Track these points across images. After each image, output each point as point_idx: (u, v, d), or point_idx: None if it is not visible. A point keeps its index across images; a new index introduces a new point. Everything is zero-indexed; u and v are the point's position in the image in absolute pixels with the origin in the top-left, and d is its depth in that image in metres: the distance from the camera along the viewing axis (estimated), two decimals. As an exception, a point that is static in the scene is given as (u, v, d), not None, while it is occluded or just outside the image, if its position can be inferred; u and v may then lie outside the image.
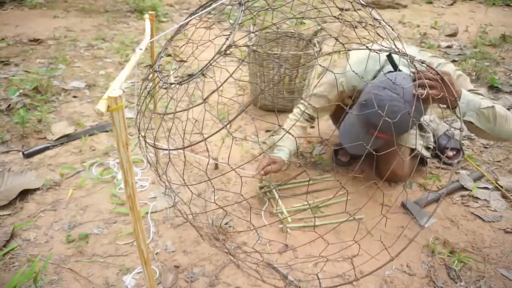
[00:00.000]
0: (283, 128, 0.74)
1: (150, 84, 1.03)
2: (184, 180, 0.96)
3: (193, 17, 1.01)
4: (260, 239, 1.32)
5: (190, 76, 0.92)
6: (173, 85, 0.86)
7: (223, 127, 0.77)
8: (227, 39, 0.82)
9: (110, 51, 3.19)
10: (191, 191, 0.96)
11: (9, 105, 2.17)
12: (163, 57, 1.05)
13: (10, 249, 1.27)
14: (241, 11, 0.89)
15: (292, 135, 0.80)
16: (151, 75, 1.04)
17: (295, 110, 1.62)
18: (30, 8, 4.52)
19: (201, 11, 1.02)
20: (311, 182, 1.62)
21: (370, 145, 1.07)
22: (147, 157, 1.10)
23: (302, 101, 1.57)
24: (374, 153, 1.03)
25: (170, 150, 0.84)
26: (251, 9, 0.95)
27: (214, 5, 0.98)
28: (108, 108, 0.60)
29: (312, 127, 2.02)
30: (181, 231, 1.37)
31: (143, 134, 0.95)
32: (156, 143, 0.94)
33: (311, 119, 1.59)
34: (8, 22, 3.91)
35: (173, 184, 1.10)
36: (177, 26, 1.09)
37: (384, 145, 1.28)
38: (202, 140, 0.78)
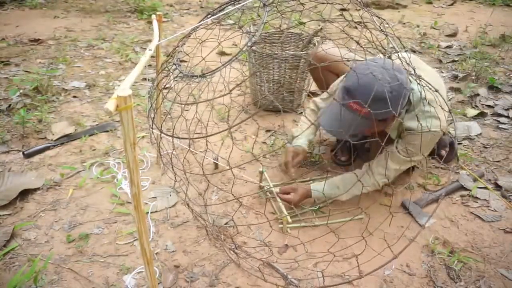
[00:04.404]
0: (293, 133, 0.74)
1: (164, 78, 1.04)
2: (202, 171, 0.96)
3: (211, 18, 1.03)
4: (261, 239, 1.32)
5: (190, 76, 0.92)
6: (194, 77, 0.88)
7: (227, 129, 0.77)
8: (253, 35, 0.84)
9: (110, 51, 3.19)
10: (208, 181, 0.97)
11: (10, 105, 2.17)
12: (181, 51, 1.06)
13: (11, 249, 1.27)
14: (266, 12, 0.92)
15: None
16: (165, 68, 1.06)
17: (307, 110, 1.62)
18: (30, 8, 4.52)
19: (218, 12, 1.04)
20: (310, 182, 1.63)
21: (350, 124, 1.08)
22: (158, 148, 1.11)
23: (311, 100, 1.57)
24: (351, 140, 0.99)
25: (189, 139, 0.85)
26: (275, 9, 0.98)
27: (236, 6, 0.99)
28: (117, 107, 0.60)
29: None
30: (181, 231, 1.38)
31: (156, 125, 0.96)
32: (169, 134, 0.95)
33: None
34: (9, 22, 3.91)
35: (183, 177, 1.10)
36: (193, 27, 1.10)
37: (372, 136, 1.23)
38: (208, 135, 0.78)
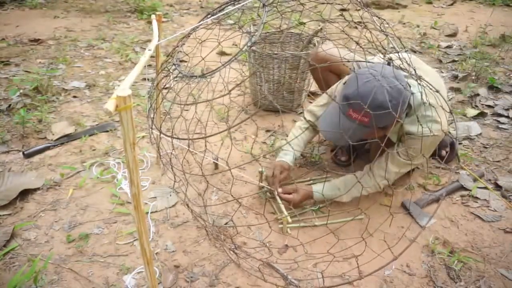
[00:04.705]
0: (285, 139, 0.74)
1: (164, 78, 1.03)
2: (201, 171, 0.96)
3: (210, 18, 1.03)
4: (260, 239, 1.32)
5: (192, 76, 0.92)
6: (193, 77, 0.88)
7: (226, 129, 0.77)
8: (252, 36, 0.84)
9: (110, 51, 3.19)
10: (207, 181, 0.97)
11: (10, 105, 2.17)
12: (180, 51, 1.06)
13: (11, 249, 1.27)
14: (265, 12, 0.92)
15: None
16: (165, 68, 1.05)
17: (299, 122, 1.60)
18: (30, 8, 4.52)
19: (218, 12, 1.04)
20: (311, 182, 1.63)
21: (348, 132, 1.07)
22: (158, 148, 1.11)
23: (306, 110, 1.56)
24: (350, 142, 0.99)
25: (189, 139, 0.85)
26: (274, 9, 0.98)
27: (236, 6, 0.99)
28: (116, 107, 0.60)
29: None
30: (181, 231, 1.38)
31: (155, 125, 0.96)
32: (169, 135, 0.95)
33: (315, 126, 1.55)
34: (9, 22, 3.91)
35: (182, 177, 1.10)
36: (193, 27, 1.10)
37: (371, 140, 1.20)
38: (207, 136, 0.78)
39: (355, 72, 1.13)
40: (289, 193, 1.42)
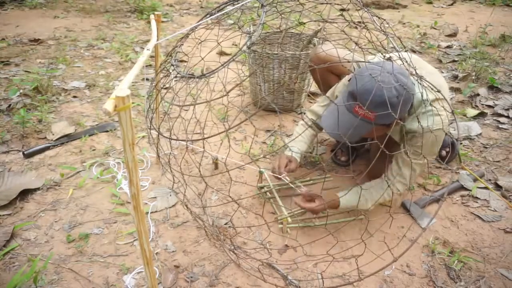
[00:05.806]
0: (284, 140, 0.74)
1: (163, 78, 1.03)
2: (200, 173, 0.96)
3: (209, 18, 1.03)
4: (260, 239, 1.32)
5: (191, 75, 0.92)
6: (191, 78, 0.88)
7: (225, 131, 0.77)
8: (250, 36, 0.84)
9: (110, 51, 3.19)
10: (206, 183, 0.97)
11: (10, 105, 2.17)
12: (179, 52, 1.06)
13: (11, 249, 1.27)
14: (264, 12, 0.91)
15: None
16: (162, 70, 1.05)
17: (301, 122, 1.59)
18: (30, 8, 4.53)
19: (217, 12, 1.04)
20: (311, 182, 1.63)
21: (353, 128, 1.06)
22: (157, 149, 1.11)
23: (308, 110, 1.55)
24: (349, 143, 0.96)
25: (187, 141, 0.85)
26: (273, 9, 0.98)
27: (235, 6, 0.99)
28: (115, 107, 0.60)
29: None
30: (181, 231, 1.38)
31: (154, 126, 0.96)
32: (166, 136, 0.95)
33: (317, 124, 1.54)
34: (9, 22, 3.91)
35: (181, 178, 1.10)
36: (191, 27, 1.10)
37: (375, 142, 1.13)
38: (206, 138, 0.78)
39: (358, 72, 1.11)
40: (312, 199, 1.32)
